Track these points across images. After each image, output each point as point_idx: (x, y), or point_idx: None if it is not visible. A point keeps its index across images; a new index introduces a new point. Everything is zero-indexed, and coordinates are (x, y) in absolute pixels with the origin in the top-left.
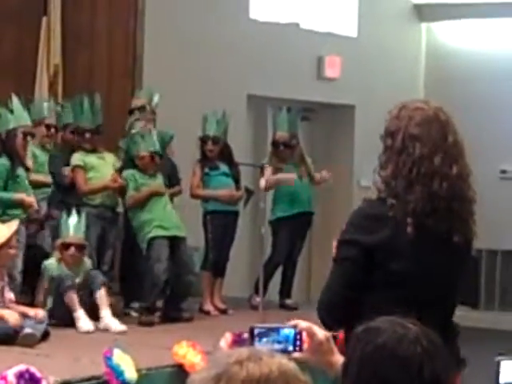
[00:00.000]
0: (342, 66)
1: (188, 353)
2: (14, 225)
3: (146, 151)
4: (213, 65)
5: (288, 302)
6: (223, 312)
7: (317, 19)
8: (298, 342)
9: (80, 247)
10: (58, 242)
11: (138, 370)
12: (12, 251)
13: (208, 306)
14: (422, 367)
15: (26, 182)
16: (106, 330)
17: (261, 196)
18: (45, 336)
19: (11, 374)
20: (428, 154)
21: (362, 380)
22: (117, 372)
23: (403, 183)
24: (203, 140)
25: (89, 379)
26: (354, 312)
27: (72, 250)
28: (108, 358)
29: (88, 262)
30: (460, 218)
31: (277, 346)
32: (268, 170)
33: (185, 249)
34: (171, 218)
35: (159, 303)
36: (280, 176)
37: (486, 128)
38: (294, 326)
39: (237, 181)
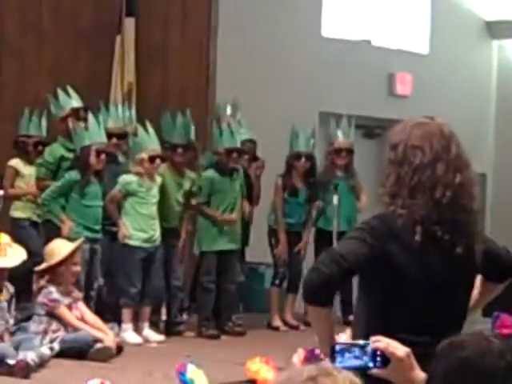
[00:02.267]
0: (413, 83)
1: (261, 369)
2: (76, 243)
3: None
4: (285, 82)
5: (351, 318)
6: (295, 328)
7: (388, 36)
8: (378, 358)
9: None
10: None
11: None
12: (74, 268)
13: (277, 322)
14: (506, 381)
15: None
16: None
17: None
18: (119, 350)
19: None
20: (430, 162)
21: None
22: None
23: (406, 192)
24: (296, 156)
25: None
26: (342, 285)
27: None
28: (182, 374)
29: None
30: (464, 229)
31: (357, 363)
32: None
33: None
34: None
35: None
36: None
37: None
38: (374, 342)
39: (313, 199)
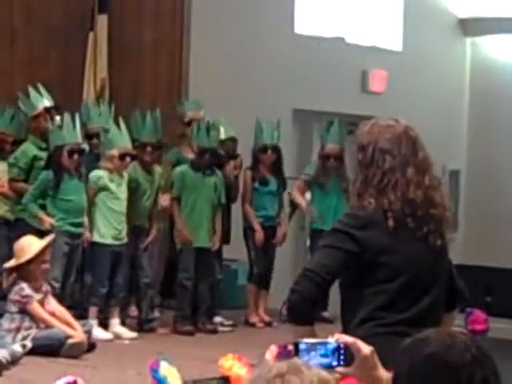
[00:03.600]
0: (386, 80)
1: (234, 365)
2: (45, 240)
3: None
4: (258, 79)
5: (325, 314)
6: (268, 324)
7: (362, 33)
8: (342, 357)
9: None
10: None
11: (185, 383)
12: (43, 266)
13: (253, 319)
14: (472, 374)
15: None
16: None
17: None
18: (91, 347)
19: None
20: (399, 166)
21: None
22: None
23: (374, 192)
24: (262, 149)
25: None
26: (323, 297)
27: None
28: (154, 371)
29: None
30: (438, 222)
31: (321, 361)
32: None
33: None
34: None
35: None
36: (310, 209)
37: None
38: (338, 340)
39: (282, 190)
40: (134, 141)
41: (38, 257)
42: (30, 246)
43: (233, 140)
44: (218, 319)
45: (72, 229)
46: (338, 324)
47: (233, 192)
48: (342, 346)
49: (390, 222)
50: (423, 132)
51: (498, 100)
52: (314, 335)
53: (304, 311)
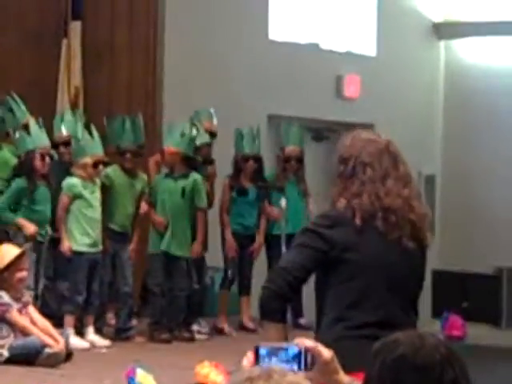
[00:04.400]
0: (361, 85)
1: (210, 373)
2: (21, 249)
3: None
4: (232, 85)
5: (301, 321)
6: (252, 331)
7: (336, 39)
8: (302, 362)
9: None
10: None
11: None
12: (19, 274)
13: (222, 324)
14: (442, 374)
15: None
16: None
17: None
18: (68, 356)
19: None
20: (379, 177)
21: None
22: None
23: (349, 196)
24: (244, 158)
25: None
26: (294, 294)
27: None
28: (131, 379)
29: None
30: (416, 227)
31: (282, 366)
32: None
33: None
34: None
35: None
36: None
37: (506, 144)
38: (299, 345)
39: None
40: (112, 146)
41: (13, 265)
42: (3, 254)
43: (208, 145)
44: (195, 327)
45: (39, 238)
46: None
47: (208, 199)
48: (302, 350)
49: (358, 221)
50: (397, 137)
51: (473, 103)
52: (284, 334)
53: (275, 307)
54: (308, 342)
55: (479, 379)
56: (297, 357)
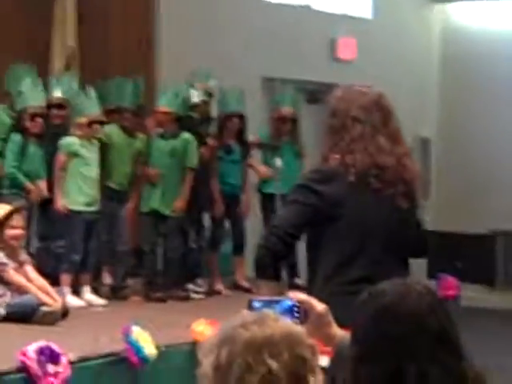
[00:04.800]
0: (357, 48)
1: (206, 330)
2: (11, 206)
3: None
4: (226, 47)
5: (298, 281)
6: (248, 291)
7: (331, 1)
8: (296, 314)
9: None
10: None
11: (157, 347)
12: (11, 232)
13: (218, 286)
14: (428, 320)
15: (39, 160)
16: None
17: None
18: (64, 314)
19: (31, 349)
20: (369, 133)
21: (369, 342)
22: (136, 348)
23: (341, 152)
24: (228, 116)
25: (108, 355)
26: (288, 251)
27: None
28: (127, 335)
29: None
30: (409, 186)
31: None
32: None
33: None
34: None
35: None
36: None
37: (502, 107)
38: (293, 298)
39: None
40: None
41: (5, 222)
42: None
43: (205, 103)
44: (190, 286)
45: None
46: None
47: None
48: (296, 303)
49: (351, 177)
50: (393, 100)
51: (468, 67)
52: (279, 292)
53: (269, 264)
54: (301, 296)
55: (471, 340)
56: (290, 310)
